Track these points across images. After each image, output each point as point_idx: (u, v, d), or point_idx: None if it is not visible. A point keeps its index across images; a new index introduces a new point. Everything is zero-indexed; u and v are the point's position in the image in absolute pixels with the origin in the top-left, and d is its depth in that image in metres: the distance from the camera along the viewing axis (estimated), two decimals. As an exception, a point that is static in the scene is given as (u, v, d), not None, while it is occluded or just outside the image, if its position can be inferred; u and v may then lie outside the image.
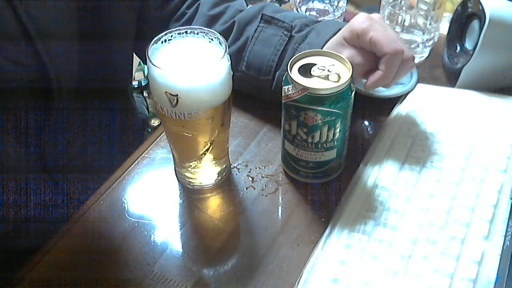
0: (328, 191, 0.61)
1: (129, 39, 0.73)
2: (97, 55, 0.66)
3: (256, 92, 0.69)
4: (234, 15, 0.70)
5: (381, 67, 0.59)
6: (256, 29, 0.67)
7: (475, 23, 0.71)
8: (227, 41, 0.56)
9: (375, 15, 0.61)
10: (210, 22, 0.70)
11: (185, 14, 0.72)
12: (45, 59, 0.58)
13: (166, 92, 0.51)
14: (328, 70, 0.54)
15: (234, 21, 0.69)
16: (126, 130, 0.82)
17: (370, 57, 0.60)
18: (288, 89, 0.54)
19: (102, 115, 0.73)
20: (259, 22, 0.68)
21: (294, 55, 0.56)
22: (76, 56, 0.64)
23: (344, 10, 0.85)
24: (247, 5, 0.73)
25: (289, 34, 0.66)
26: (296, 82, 0.53)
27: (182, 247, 0.57)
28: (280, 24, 0.67)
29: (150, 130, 1.13)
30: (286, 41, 0.66)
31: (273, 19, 0.67)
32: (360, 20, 0.60)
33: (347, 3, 0.85)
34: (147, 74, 0.82)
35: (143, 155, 0.66)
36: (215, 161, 0.60)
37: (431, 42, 0.78)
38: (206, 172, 0.61)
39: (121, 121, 0.79)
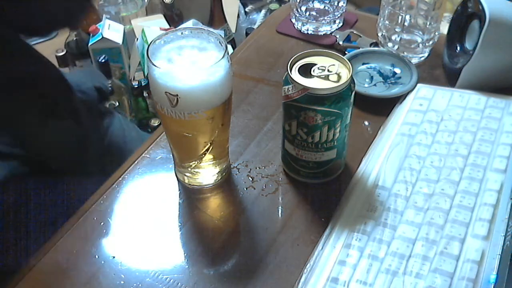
0: (328, 191, 0.61)
1: None
2: None
3: None
4: None
5: None
6: None
7: (475, 23, 0.71)
8: None
9: None
10: None
11: None
12: None
13: (166, 92, 0.51)
14: (328, 70, 0.54)
15: None
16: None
17: None
18: (288, 89, 0.54)
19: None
20: None
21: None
22: None
23: (344, 10, 0.84)
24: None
25: None
26: (296, 82, 0.53)
27: (182, 247, 0.57)
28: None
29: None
30: None
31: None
32: None
33: (347, 3, 0.85)
34: (147, 74, 0.83)
35: (143, 155, 0.66)
36: (215, 161, 0.60)
37: (431, 42, 0.78)
38: (206, 172, 0.61)
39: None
